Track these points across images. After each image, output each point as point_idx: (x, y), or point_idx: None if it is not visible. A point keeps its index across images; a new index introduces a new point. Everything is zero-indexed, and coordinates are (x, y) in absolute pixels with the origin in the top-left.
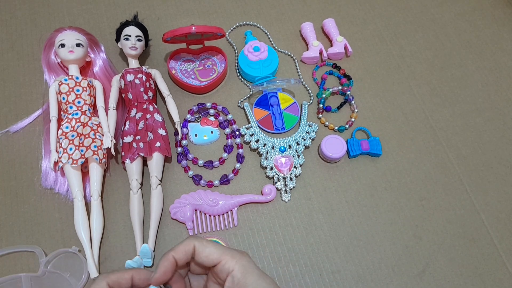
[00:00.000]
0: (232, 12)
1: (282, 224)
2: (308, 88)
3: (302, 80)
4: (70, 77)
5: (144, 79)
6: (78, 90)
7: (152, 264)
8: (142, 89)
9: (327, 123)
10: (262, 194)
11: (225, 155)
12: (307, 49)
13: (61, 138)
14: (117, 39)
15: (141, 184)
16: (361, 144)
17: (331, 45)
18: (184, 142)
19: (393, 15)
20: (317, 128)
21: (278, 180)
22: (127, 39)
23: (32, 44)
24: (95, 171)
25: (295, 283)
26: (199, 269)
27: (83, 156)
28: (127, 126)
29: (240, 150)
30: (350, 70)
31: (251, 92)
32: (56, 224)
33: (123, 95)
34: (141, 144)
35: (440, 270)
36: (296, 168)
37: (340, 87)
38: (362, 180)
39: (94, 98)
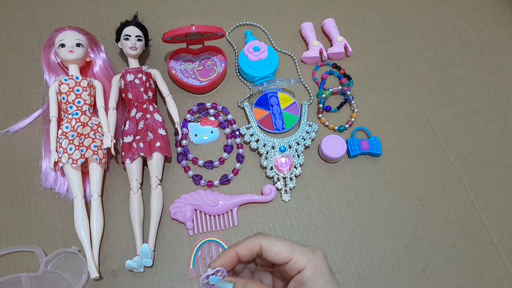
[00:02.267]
0: (232, 12)
1: (282, 224)
2: (308, 88)
3: (302, 80)
4: (70, 77)
5: (144, 79)
6: (78, 90)
7: (152, 264)
8: (142, 89)
9: (327, 123)
10: (262, 194)
11: (225, 155)
12: (307, 49)
13: (61, 138)
14: (117, 39)
15: (141, 184)
16: (361, 144)
17: (331, 45)
18: (184, 142)
19: (393, 15)
20: (317, 128)
21: (278, 180)
22: (127, 39)
23: (32, 44)
24: (95, 171)
25: None
26: (265, 263)
27: (83, 156)
28: (127, 126)
29: (240, 150)
30: (350, 70)
31: (251, 92)
32: (56, 224)
33: (123, 95)
34: (141, 144)
35: (440, 270)
36: (296, 168)
37: (340, 87)
38: (362, 180)
39: (94, 98)
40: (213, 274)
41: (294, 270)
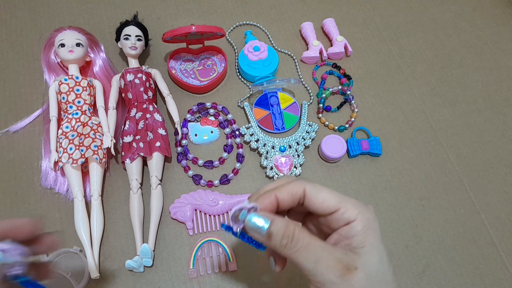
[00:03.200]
0: (232, 12)
1: None
2: (308, 88)
3: (302, 80)
4: (70, 76)
5: (144, 79)
6: (78, 90)
7: (152, 264)
8: (142, 89)
9: (327, 123)
10: None
11: (225, 155)
12: (307, 49)
13: (61, 138)
14: (117, 39)
15: (141, 184)
16: (361, 144)
17: (331, 45)
18: (184, 142)
19: (393, 15)
20: (317, 128)
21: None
22: (127, 39)
23: (32, 44)
24: (95, 171)
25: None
26: (299, 214)
27: (83, 156)
28: (127, 126)
29: (240, 150)
30: (350, 70)
31: (251, 92)
32: (56, 224)
33: (123, 95)
34: (141, 144)
35: (440, 270)
36: (296, 168)
37: (340, 87)
38: (362, 180)
39: (94, 97)
40: (246, 209)
41: (341, 221)
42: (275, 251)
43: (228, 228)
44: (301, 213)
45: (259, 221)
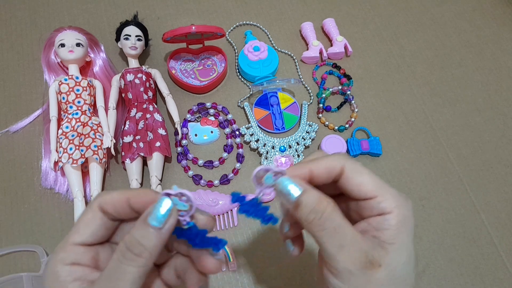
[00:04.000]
0: (232, 12)
1: None
2: (308, 88)
3: (302, 80)
4: (70, 77)
5: (144, 79)
6: (78, 90)
7: None
8: (142, 89)
9: (327, 123)
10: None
11: (225, 155)
12: (307, 49)
13: (61, 138)
14: (117, 39)
15: (141, 184)
16: (361, 144)
17: (331, 45)
18: (184, 142)
19: (393, 15)
20: (317, 128)
21: None
22: (127, 39)
23: (32, 44)
24: (95, 171)
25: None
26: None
27: (83, 156)
28: (127, 126)
29: (240, 150)
30: (350, 70)
31: (251, 92)
32: (56, 224)
33: (123, 95)
34: (141, 144)
35: (440, 270)
36: None
37: (340, 87)
38: None
39: (94, 97)
40: (273, 172)
41: (374, 210)
42: (290, 231)
43: (239, 199)
44: (331, 191)
45: (291, 187)
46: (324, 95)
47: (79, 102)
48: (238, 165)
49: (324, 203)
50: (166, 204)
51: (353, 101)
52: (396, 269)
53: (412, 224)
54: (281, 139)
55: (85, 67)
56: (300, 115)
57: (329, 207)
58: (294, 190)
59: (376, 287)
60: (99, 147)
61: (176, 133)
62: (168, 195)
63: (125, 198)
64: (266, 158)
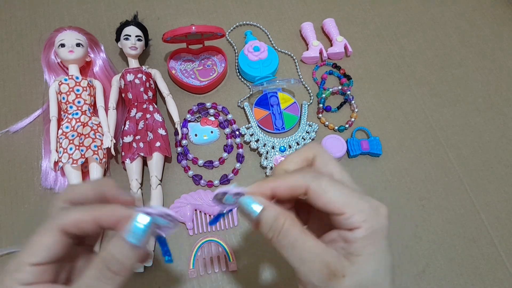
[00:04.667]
0: (232, 12)
1: None
2: (308, 88)
3: (302, 80)
4: (70, 77)
5: (144, 79)
6: (78, 90)
7: (152, 264)
8: (142, 89)
9: (327, 123)
10: None
11: (225, 155)
12: (307, 49)
13: (61, 138)
14: (117, 39)
15: (141, 184)
16: (361, 144)
17: (331, 45)
18: (184, 142)
19: (393, 15)
20: (317, 128)
21: None
22: (127, 39)
23: (32, 44)
24: (95, 171)
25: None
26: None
27: (83, 156)
28: (127, 126)
29: (240, 150)
30: (350, 70)
31: (251, 92)
32: None
33: (123, 95)
34: (141, 144)
35: (440, 270)
36: None
37: (340, 87)
38: (362, 180)
39: (94, 98)
40: (232, 195)
41: (343, 225)
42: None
43: (216, 218)
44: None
45: (252, 205)
46: (324, 95)
47: (79, 102)
48: (238, 165)
49: (281, 219)
50: (144, 221)
51: (353, 101)
52: (365, 278)
53: (384, 234)
54: (281, 139)
55: (85, 67)
56: (300, 115)
57: (287, 222)
58: (254, 208)
59: None
60: (99, 147)
61: (176, 133)
62: (148, 213)
63: (92, 218)
64: (266, 158)
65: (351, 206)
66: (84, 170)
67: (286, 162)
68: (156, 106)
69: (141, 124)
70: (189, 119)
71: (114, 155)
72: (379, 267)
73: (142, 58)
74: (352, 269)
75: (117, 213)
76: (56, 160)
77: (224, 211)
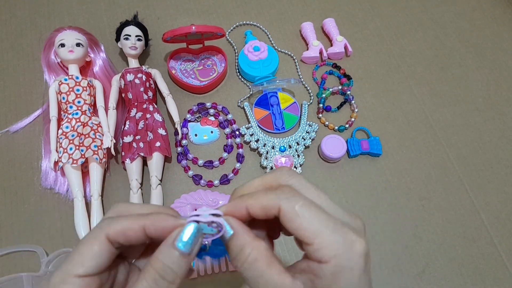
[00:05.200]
0: (232, 12)
1: None
2: (308, 88)
3: (302, 80)
4: (70, 77)
5: (144, 79)
6: (78, 90)
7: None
8: (142, 89)
9: (327, 123)
10: None
11: (225, 155)
12: (307, 49)
13: (61, 138)
14: (117, 39)
15: (141, 184)
16: (361, 144)
17: (331, 45)
18: (184, 142)
19: (393, 15)
20: (317, 128)
21: None
22: (127, 39)
23: (32, 44)
24: (95, 171)
25: None
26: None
27: (83, 156)
28: (127, 126)
29: (240, 150)
30: (350, 70)
31: (251, 92)
32: (56, 224)
33: (123, 95)
34: (141, 144)
35: (440, 270)
36: (296, 168)
37: (340, 87)
38: (362, 180)
39: (94, 98)
40: (205, 221)
41: (311, 256)
42: None
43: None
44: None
45: (226, 228)
46: (324, 95)
47: (79, 102)
48: (238, 165)
49: (247, 250)
50: (192, 229)
51: (353, 101)
52: None
53: (356, 273)
54: (281, 139)
55: (85, 67)
56: (300, 115)
57: (252, 255)
58: (227, 232)
59: None
60: (99, 147)
61: (176, 133)
62: (196, 221)
63: (140, 226)
64: (266, 158)
65: (322, 237)
66: (84, 170)
67: (245, 187)
68: (156, 106)
69: (141, 124)
70: (189, 119)
71: (114, 155)
72: None
73: (142, 58)
74: None
75: (166, 222)
76: (56, 160)
77: (205, 242)
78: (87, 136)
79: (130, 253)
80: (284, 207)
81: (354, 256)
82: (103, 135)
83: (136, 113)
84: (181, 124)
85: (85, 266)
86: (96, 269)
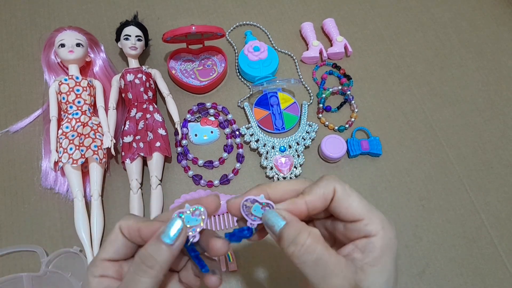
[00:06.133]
0: (232, 12)
1: None
2: (308, 88)
3: (302, 80)
4: (70, 77)
5: (144, 79)
6: (78, 90)
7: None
8: (142, 89)
9: (327, 123)
10: None
11: (225, 155)
12: (307, 49)
13: (61, 138)
14: (117, 39)
15: (141, 184)
16: (361, 144)
17: (331, 45)
18: (184, 142)
19: (393, 15)
20: (317, 128)
21: (278, 180)
22: (127, 39)
23: (32, 44)
24: (95, 171)
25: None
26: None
27: (83, 156)
28: (127, 126)
29: (240, 150)
30: (350, 70)
31: (251, 92)
32: (56, 224)
33: (123, 95)
34: (141, 144)
35: (440, 270)
36: (296, 168)
37: (340, 87)
38: (362, 180)
39: (94, 98)
40: (261, 204)
41: (361, 232)
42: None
43: (232, 236)
44: (320, 214)
45: (276, 219)
46: (324, 95)
47: (79, 102)
48: (238, 165)
49: (304, 235)
50: (177, 224)
51: (353, 101)
52: None
53: (395, 246)
54: (281, 139)
55: (85, 67)
56: (300, 115)
57: (310, 239)
58: (278, 223)
59: None
60: (99, 147)
61: (176, 133)
62: (181, 213)
63: (137, 227)
64: (266, 158)
65: (371, 213)
66: (84, 170)
67: (277, 185)
68: (156, 106)
69: (141, 124)
70: (189, 119)
71: (114, 155)
72: (389, 279)
73: (142, 58)
74: (367, 281)
75: (154, 226)
76: (56, 160)
77: (252, 227)
78: (87, 136)
79: None
80: (338, 188)
81: (394, 231)
82: (103, 135)
83: (136, 113)
84: (181, 124)
85: (106, 250)
86: (115, 255)
